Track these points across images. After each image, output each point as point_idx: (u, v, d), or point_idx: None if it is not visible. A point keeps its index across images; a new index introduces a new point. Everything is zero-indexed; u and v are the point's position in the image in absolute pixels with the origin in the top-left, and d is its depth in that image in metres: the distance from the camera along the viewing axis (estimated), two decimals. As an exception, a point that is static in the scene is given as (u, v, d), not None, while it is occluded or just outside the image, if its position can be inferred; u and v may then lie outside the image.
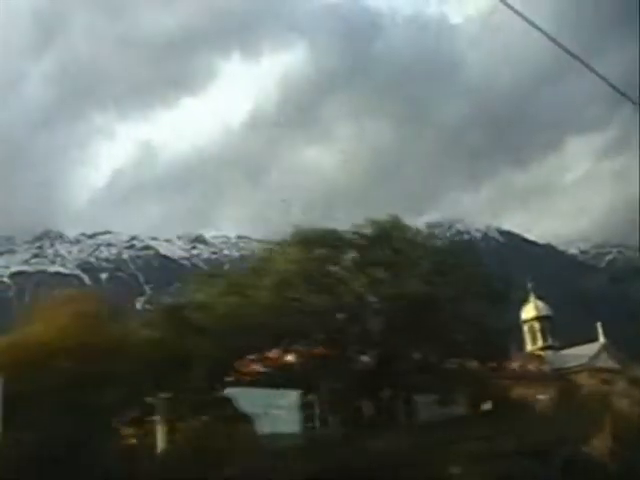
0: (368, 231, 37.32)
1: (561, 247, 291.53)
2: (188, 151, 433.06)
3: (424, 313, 34.36)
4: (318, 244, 36.38)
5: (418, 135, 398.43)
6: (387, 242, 36.87)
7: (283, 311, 33.52)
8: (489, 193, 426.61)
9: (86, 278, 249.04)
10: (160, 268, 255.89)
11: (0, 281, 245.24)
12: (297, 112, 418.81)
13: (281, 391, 37.29)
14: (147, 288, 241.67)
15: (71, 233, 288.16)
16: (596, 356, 53.18)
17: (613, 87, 11.16)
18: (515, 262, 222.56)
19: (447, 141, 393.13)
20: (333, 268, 36.35)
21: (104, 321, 35.24)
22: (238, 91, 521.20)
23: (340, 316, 35.65)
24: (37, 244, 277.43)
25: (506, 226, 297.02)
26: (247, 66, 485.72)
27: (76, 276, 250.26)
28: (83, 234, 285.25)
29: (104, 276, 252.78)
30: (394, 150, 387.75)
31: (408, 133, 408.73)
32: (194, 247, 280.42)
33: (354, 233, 36.97)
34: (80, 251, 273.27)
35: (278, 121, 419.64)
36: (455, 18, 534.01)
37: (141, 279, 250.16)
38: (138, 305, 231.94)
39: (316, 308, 33.80)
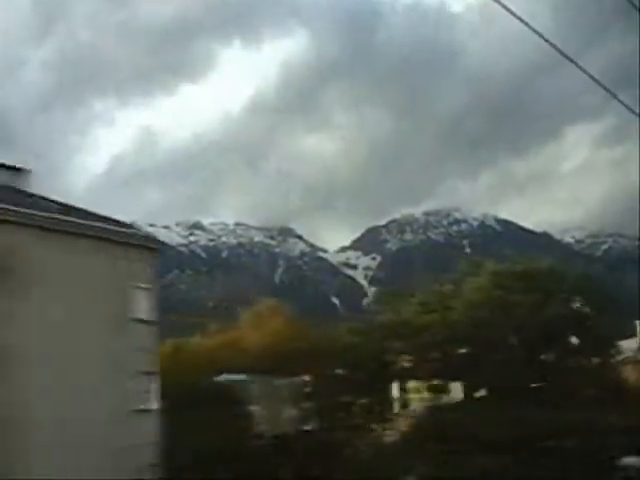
0: (530, 266, 49.70)
1: (557, 236, 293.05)
2: (188, 138, 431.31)
3: (568, 326, 46.49)
4: (497, 275, 47.98)
5: (417, 124, 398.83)
6: (546, 275, 48.68)
7: (469, 326, 44.29)
8: (487, 181, 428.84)
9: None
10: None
11: None
12: (297, 99, 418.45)
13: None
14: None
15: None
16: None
17: (608, 90, 11.71)
18: (511, 250, 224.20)
19: (446, 130, 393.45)
20: (506, 294, 46.23)
21: (309, 329, 46.82)
22: (238, 78, 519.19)
23: (508, 329, 46.77)
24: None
25: (503, 214, 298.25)
26: (247, 53, 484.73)
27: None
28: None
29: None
30: (393, 138, 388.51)
31: (407, 121, 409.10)
32: (192, 234, 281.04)
33: (524, 269, 49.06)
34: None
35: (278, 108, 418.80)
36: (455, 7, 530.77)
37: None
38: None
39: (492, 323, 44.74)
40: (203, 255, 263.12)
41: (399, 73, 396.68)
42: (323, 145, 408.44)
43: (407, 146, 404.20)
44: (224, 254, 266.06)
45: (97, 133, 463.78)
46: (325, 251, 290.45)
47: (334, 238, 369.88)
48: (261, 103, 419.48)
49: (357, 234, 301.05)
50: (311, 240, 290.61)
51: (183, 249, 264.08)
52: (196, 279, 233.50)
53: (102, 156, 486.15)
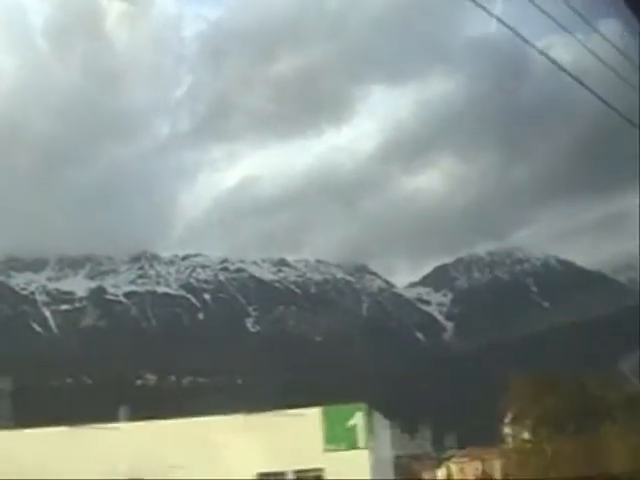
0: None
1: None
2: (295, 181, 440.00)
3: None
4: None
5: (516, 174, 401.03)
6: None
7: None
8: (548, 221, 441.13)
9: (192, 299, 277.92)
10: (256, 290, 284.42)
11: (118, 301, 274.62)
12: (412, 143, 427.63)
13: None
14: (250, 310, 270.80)
15: (165, 255, 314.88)
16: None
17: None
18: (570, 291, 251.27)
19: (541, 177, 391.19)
20: None
21: None
22: (367, 122, 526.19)
23: None
24: (137, 265, 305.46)
25: (564, 255, 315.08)
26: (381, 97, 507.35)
27: (183, 297, 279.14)
28: (176, 256, 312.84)
29: (207, 297, 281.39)
30: (489, 185, 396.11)
31: (510, 171, 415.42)
32: (280, 270, 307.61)
33: None
34: (178, 272, 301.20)
35: (393, 153, 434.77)
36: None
37: (242, 301, 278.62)
38: (248, 325, 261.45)
39: None
40: (297, 291, 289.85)
41: (522, 124, 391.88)
42: (423, 188, 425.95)
43: (498, 192, 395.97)
44: (312, 290, 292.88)
45: (210, 176, 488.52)
46: (394, 287, 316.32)
47: (403, 274, 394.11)
48: (380, 149, 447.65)
49: (425, 271, 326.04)
50: (384, 276, 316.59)
51: (277, 285, 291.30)
52: (301, 315, 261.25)
53: (206, 197, 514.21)
